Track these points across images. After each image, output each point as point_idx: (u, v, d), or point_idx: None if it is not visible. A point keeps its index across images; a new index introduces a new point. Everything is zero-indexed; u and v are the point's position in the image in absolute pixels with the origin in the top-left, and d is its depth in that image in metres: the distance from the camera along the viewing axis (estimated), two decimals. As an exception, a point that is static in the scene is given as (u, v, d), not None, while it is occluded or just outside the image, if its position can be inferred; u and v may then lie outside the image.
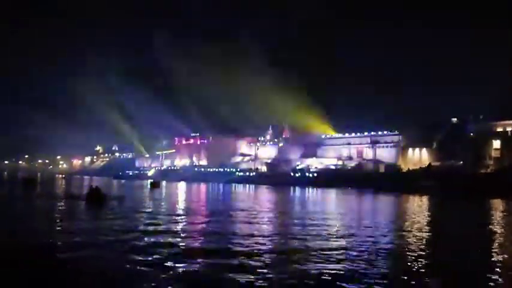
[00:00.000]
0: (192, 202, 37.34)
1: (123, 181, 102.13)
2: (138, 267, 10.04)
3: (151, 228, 17.21)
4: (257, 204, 34.38)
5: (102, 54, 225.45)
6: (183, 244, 13.65)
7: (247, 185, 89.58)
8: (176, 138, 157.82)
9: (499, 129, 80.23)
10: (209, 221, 20.75)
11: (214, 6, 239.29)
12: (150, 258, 11.03)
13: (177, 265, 10.38)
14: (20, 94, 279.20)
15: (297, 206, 36.71)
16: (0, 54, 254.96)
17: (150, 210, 25.95)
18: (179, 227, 18.40)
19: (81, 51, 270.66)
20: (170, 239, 14.31)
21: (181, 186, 78.71)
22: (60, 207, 26.14)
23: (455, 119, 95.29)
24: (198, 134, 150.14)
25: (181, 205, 31.91)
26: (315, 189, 75.47)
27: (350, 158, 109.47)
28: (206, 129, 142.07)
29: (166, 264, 10.45)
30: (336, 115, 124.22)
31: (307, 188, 77.83)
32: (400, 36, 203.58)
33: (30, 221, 19.59)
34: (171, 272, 9.73)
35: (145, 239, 14.35)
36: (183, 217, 22.89)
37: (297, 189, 75.41)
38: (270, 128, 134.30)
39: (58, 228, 17.32)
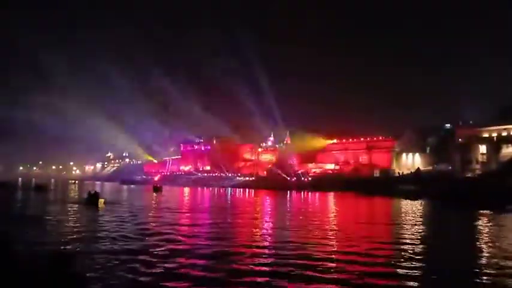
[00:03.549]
0: (181, 205, 41.89)
1: (132, 186, 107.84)
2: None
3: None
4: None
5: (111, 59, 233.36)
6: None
7: (247, 190, 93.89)
8: (182, 145, 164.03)
9: (485, 135, 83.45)
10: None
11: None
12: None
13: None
14: (32, 101, 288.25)
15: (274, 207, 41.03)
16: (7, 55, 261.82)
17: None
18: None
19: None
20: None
21: (184, 190, 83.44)
22: (58, 210, 30.80)
23: (448, 125, 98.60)
24: (202, 141, 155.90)
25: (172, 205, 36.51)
26: (310, 193, 79.27)
27: (347, 163, 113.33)
28: (210, 135, 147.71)
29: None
30: (333, 121, 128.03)
31: (303, 192, 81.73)
32: (396, 40, 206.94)
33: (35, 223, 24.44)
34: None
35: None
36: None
37: (294, 193, 79.40)
38: (272, 135, 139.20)
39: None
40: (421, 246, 16.21)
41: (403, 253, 14.17)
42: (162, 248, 14.37)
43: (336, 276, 10.60)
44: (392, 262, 12.60)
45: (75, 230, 18.98)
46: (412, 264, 12.45)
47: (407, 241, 17.28)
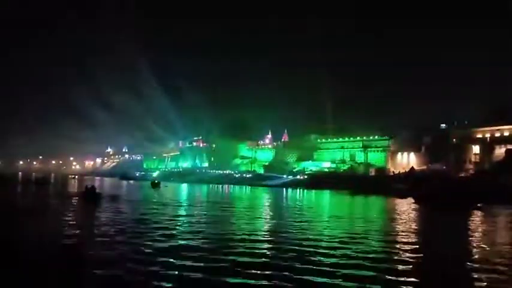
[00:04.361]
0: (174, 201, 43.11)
1: (131, 182, 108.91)
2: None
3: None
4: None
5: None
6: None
7: (244, 187, 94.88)
8: (180, 142, 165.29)
9: (479, 136, 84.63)
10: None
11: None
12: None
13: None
14: (33, 95, 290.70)
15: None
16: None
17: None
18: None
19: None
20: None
21: (181, 187, 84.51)
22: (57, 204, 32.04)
23: (443, 125, 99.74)
24: (201, 137, 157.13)
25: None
26: (305, 190, 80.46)
27: (343, 161, 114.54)
28: (209, 132, 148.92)
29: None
30: (330, 119, 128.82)
31: (298, 189, 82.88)
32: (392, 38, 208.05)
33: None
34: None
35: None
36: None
37: (289, 190, 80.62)
38: (269, 132, 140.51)
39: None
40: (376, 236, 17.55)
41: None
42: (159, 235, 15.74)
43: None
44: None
45: (75, 222, 20.31)
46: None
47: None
